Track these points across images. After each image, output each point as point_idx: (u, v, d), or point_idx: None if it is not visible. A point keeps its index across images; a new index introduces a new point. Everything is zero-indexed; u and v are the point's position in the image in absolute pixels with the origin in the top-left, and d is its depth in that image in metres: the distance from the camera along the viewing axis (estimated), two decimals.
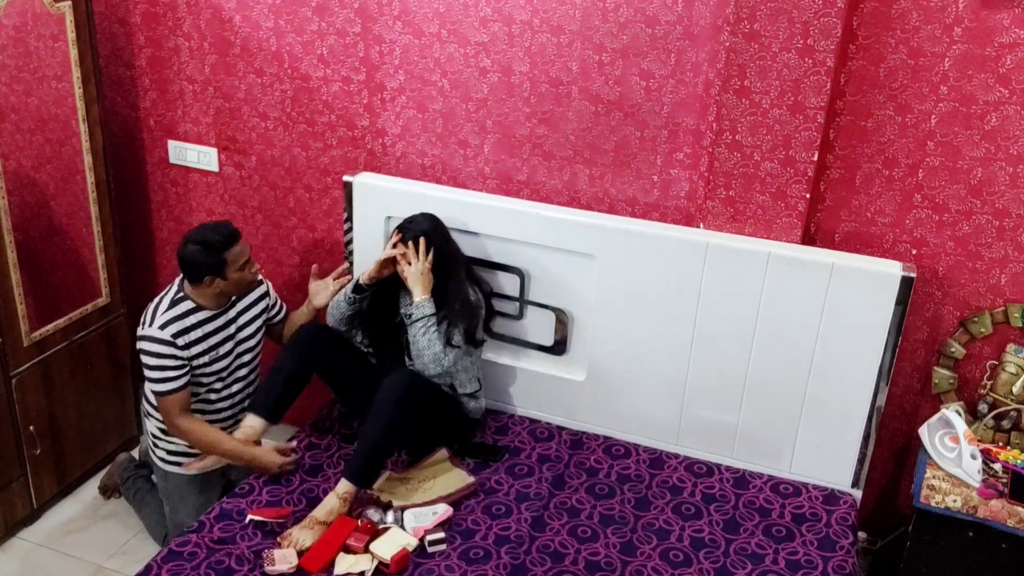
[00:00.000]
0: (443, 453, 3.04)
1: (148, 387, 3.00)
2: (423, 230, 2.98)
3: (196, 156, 3.70)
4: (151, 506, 3.38)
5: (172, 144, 3.73)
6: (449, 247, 3.05)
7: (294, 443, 3.08)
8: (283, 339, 3.25)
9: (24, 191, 3.23)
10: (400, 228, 3.02)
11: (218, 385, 3.07)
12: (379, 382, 2.89)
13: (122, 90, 3.72)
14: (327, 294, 3.23)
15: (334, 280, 3.28)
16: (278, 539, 2.68)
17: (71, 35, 3.25)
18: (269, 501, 2.85)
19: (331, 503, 2.75)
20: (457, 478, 2.95)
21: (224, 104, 3.57)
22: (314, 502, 2.82)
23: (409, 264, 2.96)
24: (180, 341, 2.90)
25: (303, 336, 3.05)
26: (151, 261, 4.01)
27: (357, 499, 2.80)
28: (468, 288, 3.05)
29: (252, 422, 2.97)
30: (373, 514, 2.78)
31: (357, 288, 3.08)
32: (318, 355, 3.03)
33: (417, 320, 2.93)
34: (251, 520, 2.73)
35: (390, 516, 2.77)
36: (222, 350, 3.02)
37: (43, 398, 3.41)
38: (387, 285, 3.08)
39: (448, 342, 2.95)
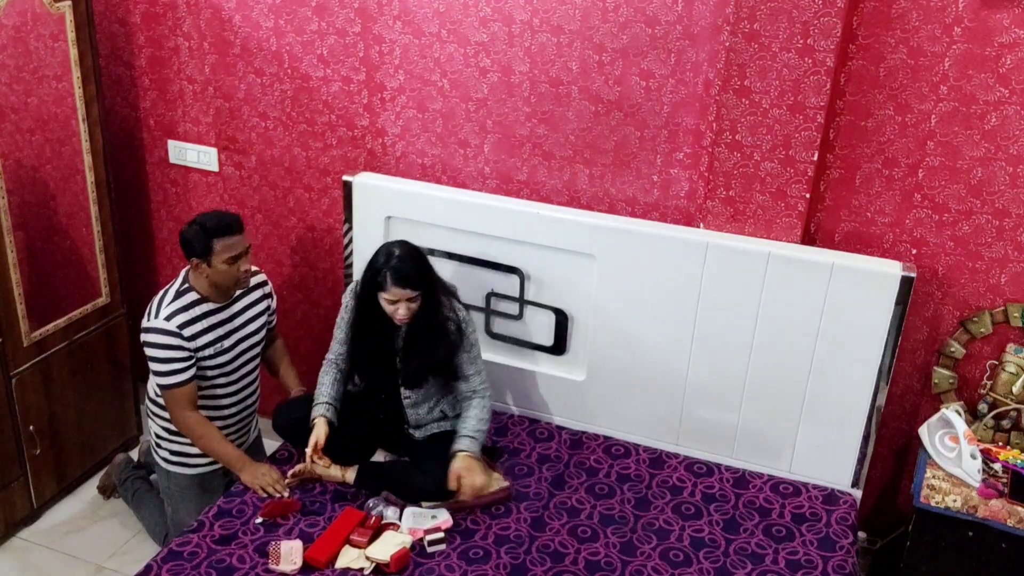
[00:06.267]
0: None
1: (154, 381, 2.98)
2: (416, 279, 2.76)
3: (196, 156, 3.70)
4: (149, 506, 3.38)
5: (172, 144, 3.73)
6: (431, 287, 2.83)
7: (286, 493, 2.86)
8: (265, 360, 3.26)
9: (24, 191, 3.23)
10: (396, 278, 2.75)
11: (222, 381, 3.06)
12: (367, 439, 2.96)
13: (122, 90, 3.72)
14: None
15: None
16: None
17: (71, 35, 3.25)
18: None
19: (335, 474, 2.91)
20: (492, 481, 2.92)
21: (224, 104, 3.57)
22: (312, 504, 2.83)
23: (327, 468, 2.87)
24: (186, 332, 2.89)
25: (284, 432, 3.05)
26: (151, 261, 4.01)
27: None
28: (446, 317, 2.86)
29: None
30: (373, 507, 2.78)
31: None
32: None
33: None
34: (263, 521, 2.74)
35: (391, 511, 2.77)
36: (226, 343, 3.02)
37: (43, 398, 3.41)
38: (375, 315, 2.87)
39: (451, 400, 2.96)
